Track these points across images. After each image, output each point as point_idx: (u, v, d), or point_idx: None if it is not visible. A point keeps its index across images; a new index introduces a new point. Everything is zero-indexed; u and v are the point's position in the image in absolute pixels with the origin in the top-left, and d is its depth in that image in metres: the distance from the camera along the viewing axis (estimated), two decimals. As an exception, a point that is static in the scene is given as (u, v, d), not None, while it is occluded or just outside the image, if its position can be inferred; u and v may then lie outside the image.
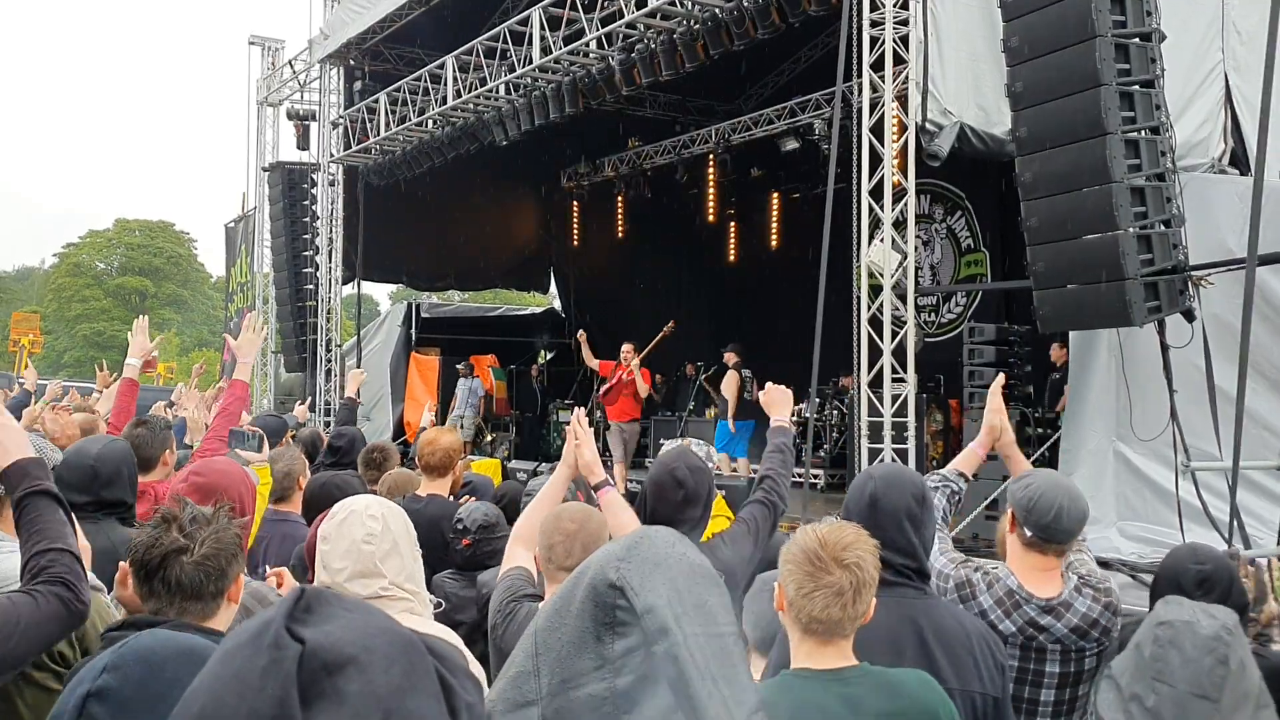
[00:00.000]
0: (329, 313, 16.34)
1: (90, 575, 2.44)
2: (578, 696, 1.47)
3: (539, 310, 22.49)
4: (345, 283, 16.56)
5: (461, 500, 4.46)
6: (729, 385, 13.03)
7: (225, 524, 2.17)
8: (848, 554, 2.01)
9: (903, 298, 8.22)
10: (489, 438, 15.80)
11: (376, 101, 14.65)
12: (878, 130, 8.31)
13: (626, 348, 11.78)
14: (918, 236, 10.42)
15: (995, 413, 3.24)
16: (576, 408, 3.66)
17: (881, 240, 8.11)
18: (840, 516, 2.47)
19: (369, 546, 2.44)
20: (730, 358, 13.53)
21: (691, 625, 1.46)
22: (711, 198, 17.25)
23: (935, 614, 2.40)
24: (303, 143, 16.76)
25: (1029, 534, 2.76)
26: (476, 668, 2.11)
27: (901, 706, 2.01)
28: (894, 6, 8.12)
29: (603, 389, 11.93)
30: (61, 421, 5.56)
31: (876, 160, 8.29)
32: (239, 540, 2.19)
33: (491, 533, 3.74)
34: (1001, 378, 3.39)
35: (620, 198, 17.83)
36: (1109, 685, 1.80)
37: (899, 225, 8.24)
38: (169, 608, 2.07)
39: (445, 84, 13.21)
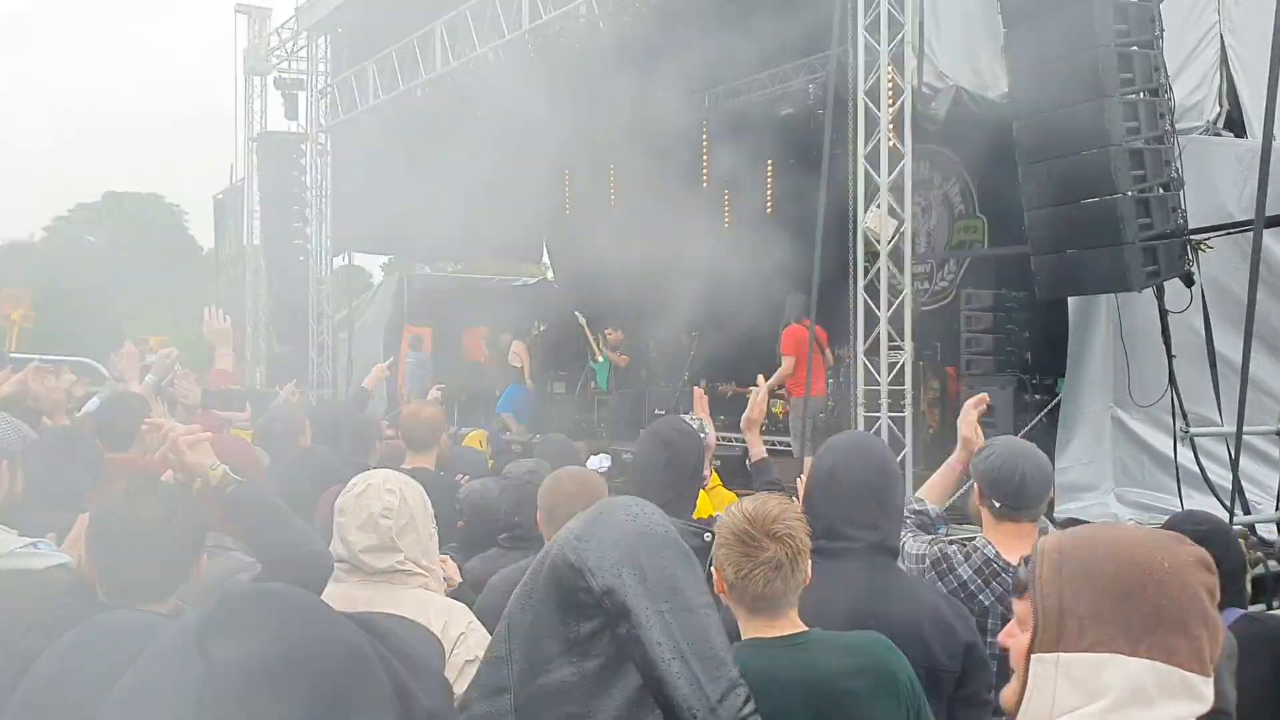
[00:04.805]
0: (320, 285, 16.22)
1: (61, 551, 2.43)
2: (547, 683, 1.40)
3: (532, 280, 22.33)
4: (336, 254, 16.44)
5: (460, 477, 4.42)
6: (518, 353, 14.65)
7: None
8: (777, 525, 1.99)
9: (900, 264, 8.14)
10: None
11: (365, 69, 14.46)
12: (873, 94, 8.18)
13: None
14: (918, 203, 10.32)
15: (968, 424, 3.18)
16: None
17: (878, 206, 8.01)
18: (803, 488, 2.46)
19: (386, 520, 2.43)
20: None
21: (658, 603, 1.38)
22: (704, 164, 17.08)
23: (879, 589, 2.33)
24: (291, 112, 16.59)
25: (997, 505, 2.77)
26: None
27: (860, 664, 2.01)
28: (889, -32, 7.98)
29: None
30: (48, 385, 5.44)
31: (873, 125, 8.17)
32: (202, 530, 2.22)
33: (486, 515, 3.65)
34: (984, 396, 3.32)
35: (612, 164, 17.65)
36: None
37: (895, 190, 8.14)
38: (121, 598, 2.08)
39: (434, 50, 13.03)
